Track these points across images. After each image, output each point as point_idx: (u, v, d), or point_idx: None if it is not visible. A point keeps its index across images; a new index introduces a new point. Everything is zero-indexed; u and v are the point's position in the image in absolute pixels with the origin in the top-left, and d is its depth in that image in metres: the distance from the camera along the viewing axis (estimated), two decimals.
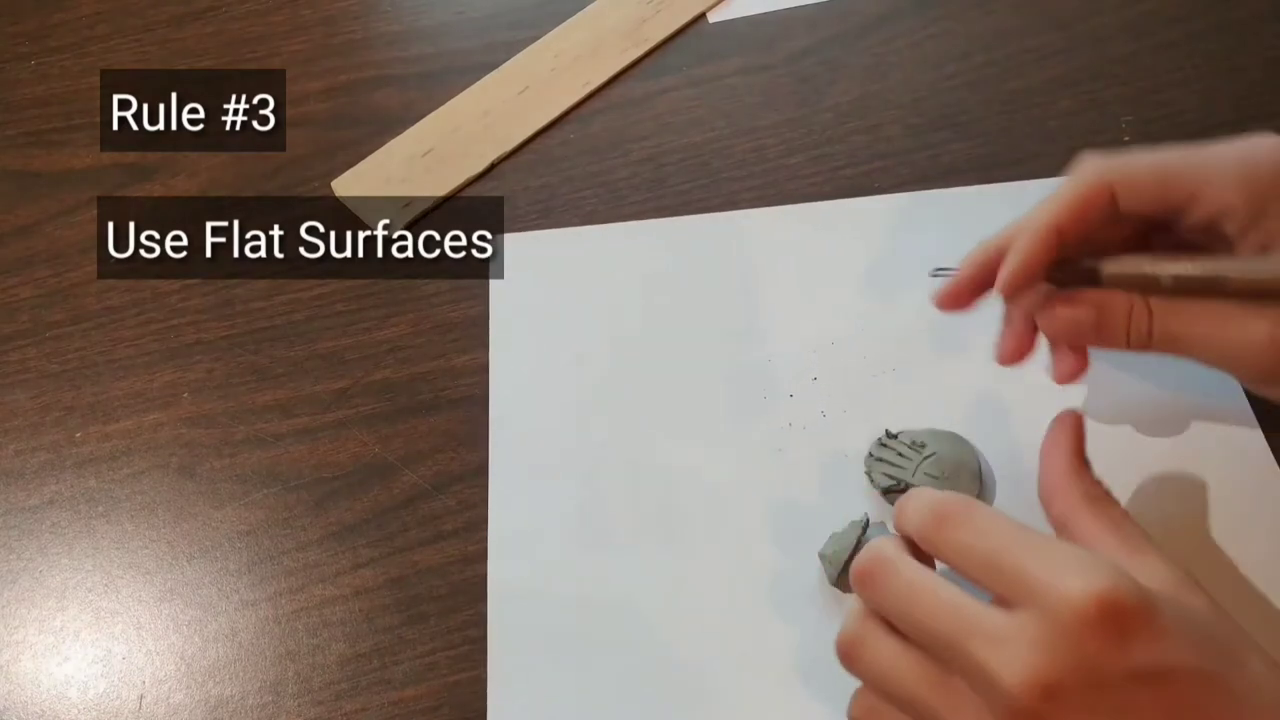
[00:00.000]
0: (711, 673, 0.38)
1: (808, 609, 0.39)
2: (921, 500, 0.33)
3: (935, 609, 0.30)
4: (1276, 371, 0.34)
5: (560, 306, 0.48)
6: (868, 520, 0.39)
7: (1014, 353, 0.38)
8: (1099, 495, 0.34)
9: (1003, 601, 0.29)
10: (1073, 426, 0.36)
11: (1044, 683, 0.27)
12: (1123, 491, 0.41)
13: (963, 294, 0.38)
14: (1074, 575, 0.28)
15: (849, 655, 0.32)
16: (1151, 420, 0.42)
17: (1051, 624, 0.28)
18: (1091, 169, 0.35)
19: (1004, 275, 0.35)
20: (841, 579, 0.39)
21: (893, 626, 0.31)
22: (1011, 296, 0.37)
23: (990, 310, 0.39)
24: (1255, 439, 0.42)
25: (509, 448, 0.44)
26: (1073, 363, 0.37)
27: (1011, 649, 0.28)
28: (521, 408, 0.45)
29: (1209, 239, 0.35)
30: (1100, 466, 0.41)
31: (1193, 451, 0.41)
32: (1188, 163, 0.34)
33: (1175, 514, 0.40)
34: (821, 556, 0.40)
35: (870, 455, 0.42)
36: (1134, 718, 0.28)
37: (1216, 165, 0.34)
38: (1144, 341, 0.34)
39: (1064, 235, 0.35)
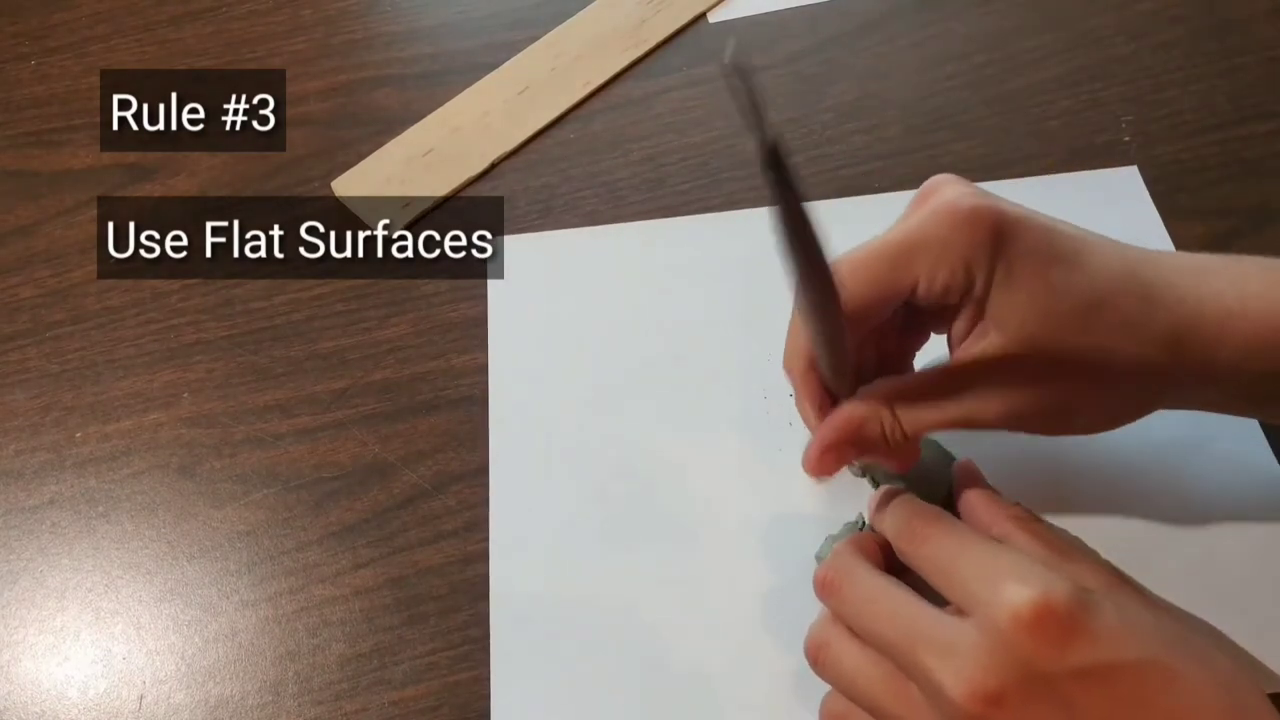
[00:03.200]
0: (709, 671, 0.38)
1: (806, 609, 0.39)
2: (899, 511, 0.35)
3: (887, 618, 0.32)
4: (1015, 428, 0.35)
5: (560, 306, 0.48)
6: (863, 521, 0.39)
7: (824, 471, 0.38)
8: (1022, 515, 0.36)
9: (957, 610, 0.31)
10: (972, 471, 0.39)
11: (987, 692, 0.29)
12: (1124, 491, 0.41)
13: (830, 458, 0.38)
14: (1010, 584, 0.29)
15: (816, 658, 0.34)
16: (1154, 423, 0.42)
17: (992, 633, 0.29)
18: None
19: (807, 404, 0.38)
20: None
21: (856, 632, 0.33)
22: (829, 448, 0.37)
23: None
24: (1255, 433, 0.42)
25: (509, 448, 0.44)
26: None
27: (956, 659, 0.29)
28: (521, 407, 0.45)
29: (940, 309, 0.35)
30: (1101, 467, 0.42)
31: (1194, 450, 0.41)
32: (897, 253, 0.34)
33: (1176, 512, 0.40)
34: (818, 558, 0.40)
35: None
36: (1081, 714, 0.29)
37: (927, 252, 0.33)
38: (903, 442, 0.36)
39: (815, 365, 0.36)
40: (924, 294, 0.34)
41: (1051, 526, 0.37)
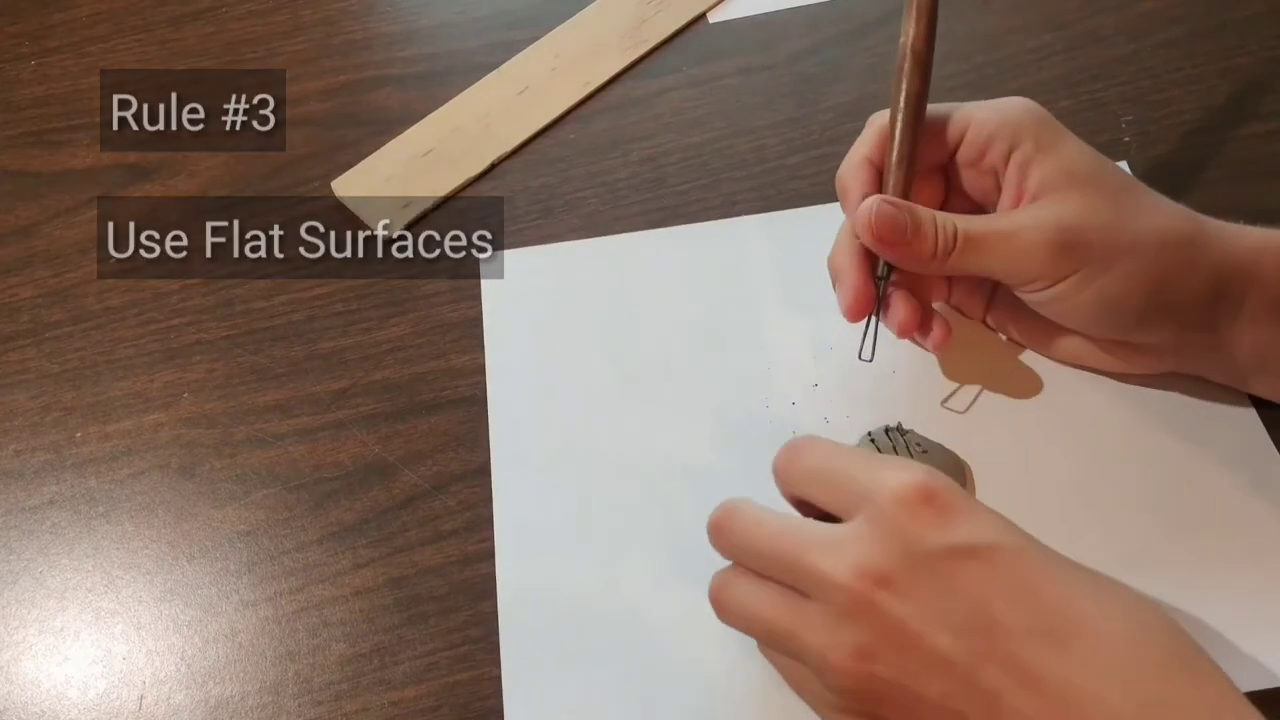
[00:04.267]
0: (712, 668, 0.38)
1: None
2: (785, 447, 0.36)
3: (774, 536, 0.33)
4: (1060, 257, 0.37)
5: (559, 318, 0.48)
6: (885, 427, 0.40)
7: (857, 306, 0.41)
8: None
9: (842, 515, 0.33)
10: None
11: (873, 570, 0.30)
12: (1123, 479, 0.41)
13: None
14: (892, 472, 0.32)
15: (717, 602, 0.35)
16: (1151, 413, 0.42)
17: (875, 519, 0.31)
18: (883, 115, 0.42)
19: (855, 210, 0.40)
20: None
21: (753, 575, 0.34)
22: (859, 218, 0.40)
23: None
24: (1252, 421, 0.42)
25: (510, 449, 0.44)
26: (914, 317, 0.41)
27: (842, 550, 0.31)
28: (521, 413, 0.45)
29: (984, 182, 0.41)
30: (1099, 465, 0.42)
31: (1191, 439, 0.42)
32: (958, 109, 0.41)
33: (1173, 503, 0.40)
34: None
35: (869, 435, 0.42)
36: (965, 592, 0.30)
37: (980, 110, 0.41)
38: (950, 243, 0.38)
39: (874, 164, 0.41)
40: (972, 138, 0.40)
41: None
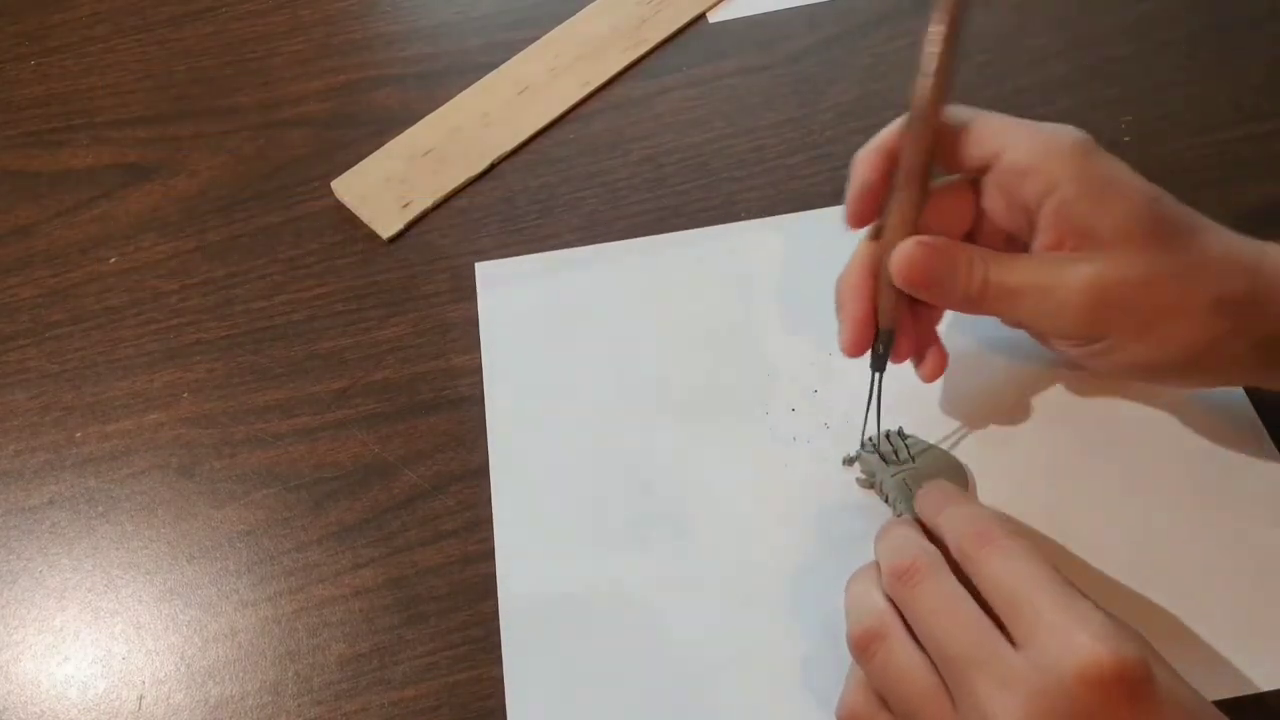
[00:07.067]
0: (712, 672, 0.38)
1: (813, 617, 0.39)
2: (967, 513, 0.34)
3: (957, 630, 0.30)
4: (1092, 319, 0.35)
5: (557, 322, 0.47)
6: (900, 430, 0.42)
7: (856, 344, 0.39)
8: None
9: (1013, 639, 0.30)
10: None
11: None
12: (1120, 479, 0.41)
13: (865, 209, 0.39)
14: (1084, 635, 0.28)
15: (865, 647, 0.32)
16: (1149, 415, 0.42)
17: (1053, 679, 0.28)
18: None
19: (852, 192, 0.38)
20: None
21: (912, 632, 0.32)
22: (861, 210, 0.39)
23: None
24: (1252, 422, 0.42)
25: (508, 453, 0.44)
26: (927, 355, 0.40)
27: (1012, 694, 0.28)
28: (518, 416, 0.45)
29: (1014, 217, 0.37)
30: (1100, 470, 0.42)
31: (1189, 440, 0.42)
32: (988, 124, 0.37)
33: (1171, 505, 0.40)
34: (847, 462, 0.42)
35: (870, 439, 0.42)
36: None
37: (1021, 132, 0.36)
38: (981, 291, 0.36)
39: (892, 156, 0.38)
40: (1006, 167, 0.36)
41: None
